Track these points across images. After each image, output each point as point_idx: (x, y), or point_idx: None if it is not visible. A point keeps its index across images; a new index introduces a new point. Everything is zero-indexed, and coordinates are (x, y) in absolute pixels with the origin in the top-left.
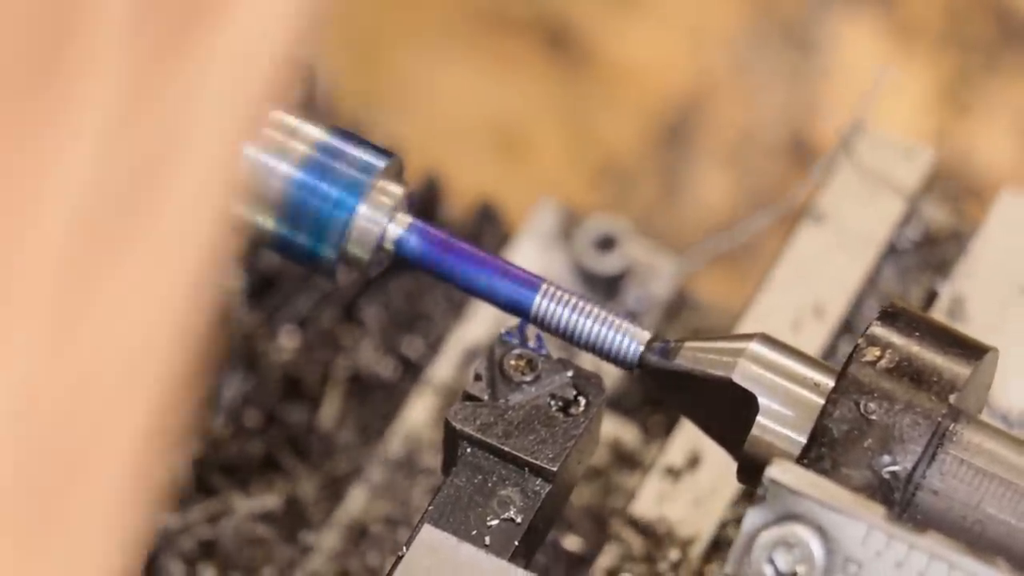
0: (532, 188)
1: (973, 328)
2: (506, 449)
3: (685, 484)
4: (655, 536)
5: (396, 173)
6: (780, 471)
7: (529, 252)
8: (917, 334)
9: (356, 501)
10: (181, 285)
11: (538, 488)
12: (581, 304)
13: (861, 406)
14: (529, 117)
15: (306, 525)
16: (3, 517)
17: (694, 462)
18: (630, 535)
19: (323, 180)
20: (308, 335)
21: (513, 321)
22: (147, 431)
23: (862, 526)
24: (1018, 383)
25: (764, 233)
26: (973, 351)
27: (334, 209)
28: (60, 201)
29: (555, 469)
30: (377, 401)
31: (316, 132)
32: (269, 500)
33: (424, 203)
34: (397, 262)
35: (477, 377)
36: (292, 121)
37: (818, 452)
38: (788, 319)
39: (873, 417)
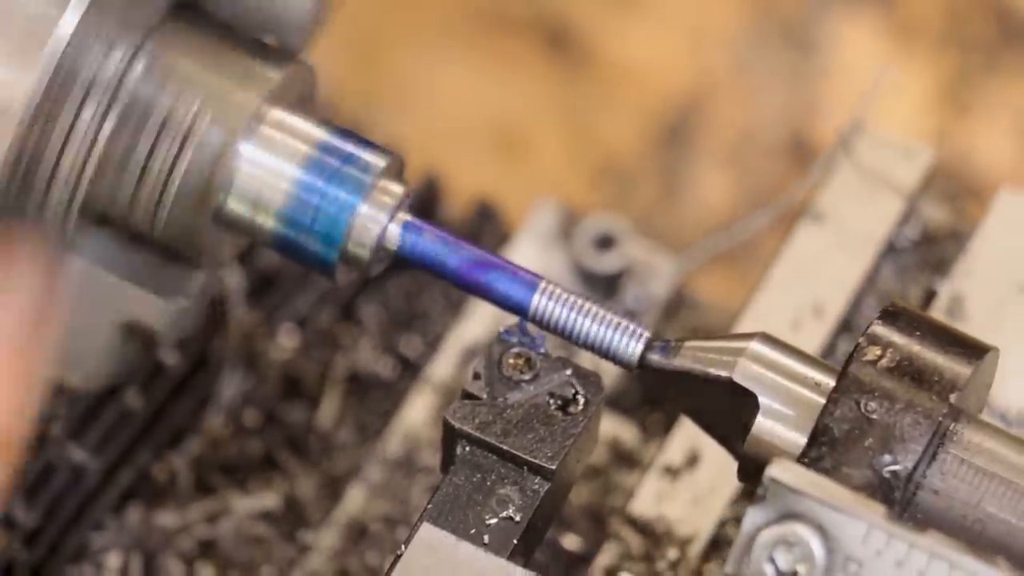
0: (532, 187)
1: (972, 327)
2: (505, 448)
3: (684, 483)
4: (654, 535)
5: (396, 172)
6: (780, 470)
7: (528, 251)
8: (918, 333)
9: (355, 500)
10: None
11: (537, 487)
12: (580, 303)
13: (862, 405)
14: (529, 117)
15: (305, 524)
16: None
17: (693, 461)
18: (629, 534)
19: (324, 179)
20: (307, 334)
21: (512, 320)
22: None
23: (862, 525)
24: (1017, 382)
25: (763, 232)
26: (974, 351)
27: (335, 208)
28: None
29: (554, 468)
30: (376, 400)
31: (317, 132)
32: (268, 499)
33: (424, 202)
34: (397, 261)
35: (476, 376)
36: (293, 121)
37: (819, 451)
38: (787, 318)
39: (874, 416)
